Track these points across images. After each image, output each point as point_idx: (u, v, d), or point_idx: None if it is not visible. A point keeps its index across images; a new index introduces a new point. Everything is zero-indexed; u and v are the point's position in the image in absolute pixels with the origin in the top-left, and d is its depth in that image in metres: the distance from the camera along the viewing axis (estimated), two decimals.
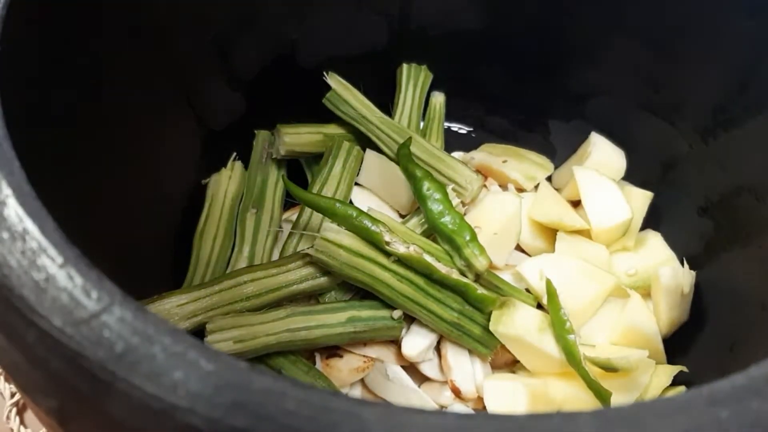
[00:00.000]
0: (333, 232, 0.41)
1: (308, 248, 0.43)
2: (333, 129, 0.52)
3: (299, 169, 0.54)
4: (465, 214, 0.48)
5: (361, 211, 0.42)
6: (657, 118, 0.50)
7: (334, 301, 0.43)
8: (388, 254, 0.41)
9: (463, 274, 0.43)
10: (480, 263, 0.42)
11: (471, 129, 0.60)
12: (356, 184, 0.51)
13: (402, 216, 0.50)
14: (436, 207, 0.44)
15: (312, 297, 0.44)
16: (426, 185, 0.44)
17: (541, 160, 0.54)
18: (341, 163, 0.50)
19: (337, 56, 0.53)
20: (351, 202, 0.50)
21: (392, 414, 0.18)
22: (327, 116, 0.52)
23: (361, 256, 0.41)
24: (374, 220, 0.41)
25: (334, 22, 0.51)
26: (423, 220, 0.46)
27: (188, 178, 0.51)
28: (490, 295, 0.42)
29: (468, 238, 0.42)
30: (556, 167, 0.55)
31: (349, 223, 0.41)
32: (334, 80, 0.51)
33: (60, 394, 0.21)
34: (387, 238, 0.41)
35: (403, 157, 0.46)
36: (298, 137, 0.51)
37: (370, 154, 0.51)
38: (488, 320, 0.43)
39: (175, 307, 0.41)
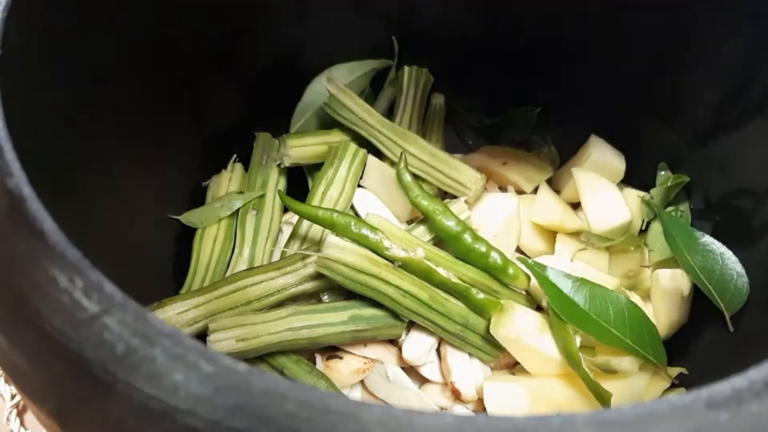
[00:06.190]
0: (336, 249, 0.40)
1: (309, 253, 0.42)
2: (337, 136, 0.52)
3: (300, 172, 0.54)
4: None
5: (359, 220, 0.42)
6: (656, 120, 0.50)
7: (336, 299, 0.43)
8: (391, 261, 0.41)
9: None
10: (521, 283, 0.44)
11: (471, 131, 0.60)
12: (358, 185, 0.51)
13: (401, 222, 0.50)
14: (467, 237, 0.44)
15: (314, 296, 0.44)
16: (452, 222, 0.44)
17: (540, 162, 0.54)
18: (347, 165, 0.49)
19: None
20: (352, 204, 0.50)
21: (392, 416, 0.18)
22: (327, 118, 0.52)
23: (364, 273, 0.41)
24: (373, 229, 0.41)
25: (334, 25, 0.51)
26: (428, 228, 0.46)
27: (189, 179, 0.51)
28: (491, 300, 0.42)
29: (500, 261, 0.44)
30: (555, 169, 0.55)
31: (348, 232, 0.41)
32: (333, 85, 0.51)
33: (60, 395, 0.21)
34: (386, 244, 0.41)
35: (415, 197, 0.45)
36: (304, 150, 0.50)
37: (372, 160, 0.50)
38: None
39: (175, 315, 0.41)
